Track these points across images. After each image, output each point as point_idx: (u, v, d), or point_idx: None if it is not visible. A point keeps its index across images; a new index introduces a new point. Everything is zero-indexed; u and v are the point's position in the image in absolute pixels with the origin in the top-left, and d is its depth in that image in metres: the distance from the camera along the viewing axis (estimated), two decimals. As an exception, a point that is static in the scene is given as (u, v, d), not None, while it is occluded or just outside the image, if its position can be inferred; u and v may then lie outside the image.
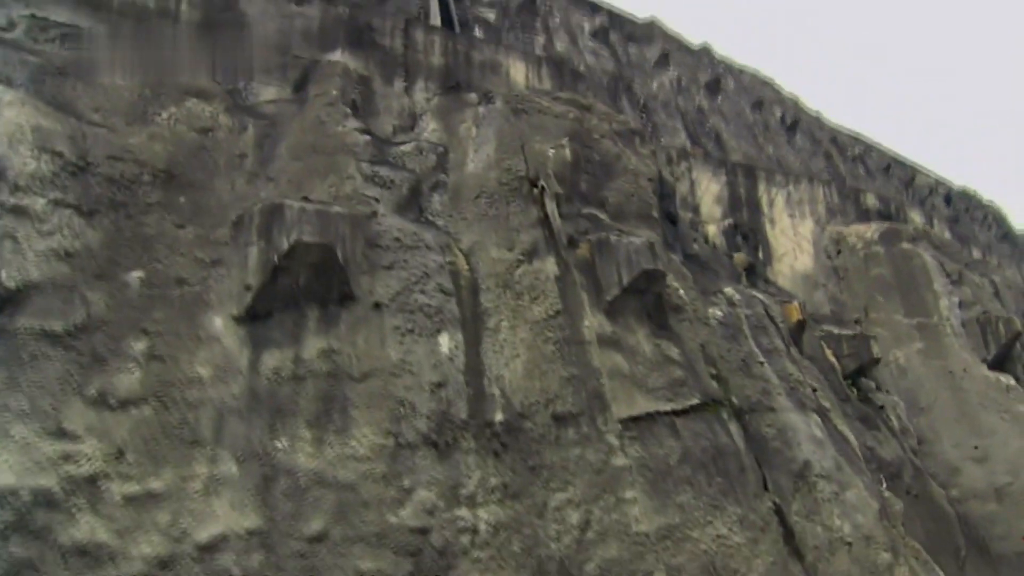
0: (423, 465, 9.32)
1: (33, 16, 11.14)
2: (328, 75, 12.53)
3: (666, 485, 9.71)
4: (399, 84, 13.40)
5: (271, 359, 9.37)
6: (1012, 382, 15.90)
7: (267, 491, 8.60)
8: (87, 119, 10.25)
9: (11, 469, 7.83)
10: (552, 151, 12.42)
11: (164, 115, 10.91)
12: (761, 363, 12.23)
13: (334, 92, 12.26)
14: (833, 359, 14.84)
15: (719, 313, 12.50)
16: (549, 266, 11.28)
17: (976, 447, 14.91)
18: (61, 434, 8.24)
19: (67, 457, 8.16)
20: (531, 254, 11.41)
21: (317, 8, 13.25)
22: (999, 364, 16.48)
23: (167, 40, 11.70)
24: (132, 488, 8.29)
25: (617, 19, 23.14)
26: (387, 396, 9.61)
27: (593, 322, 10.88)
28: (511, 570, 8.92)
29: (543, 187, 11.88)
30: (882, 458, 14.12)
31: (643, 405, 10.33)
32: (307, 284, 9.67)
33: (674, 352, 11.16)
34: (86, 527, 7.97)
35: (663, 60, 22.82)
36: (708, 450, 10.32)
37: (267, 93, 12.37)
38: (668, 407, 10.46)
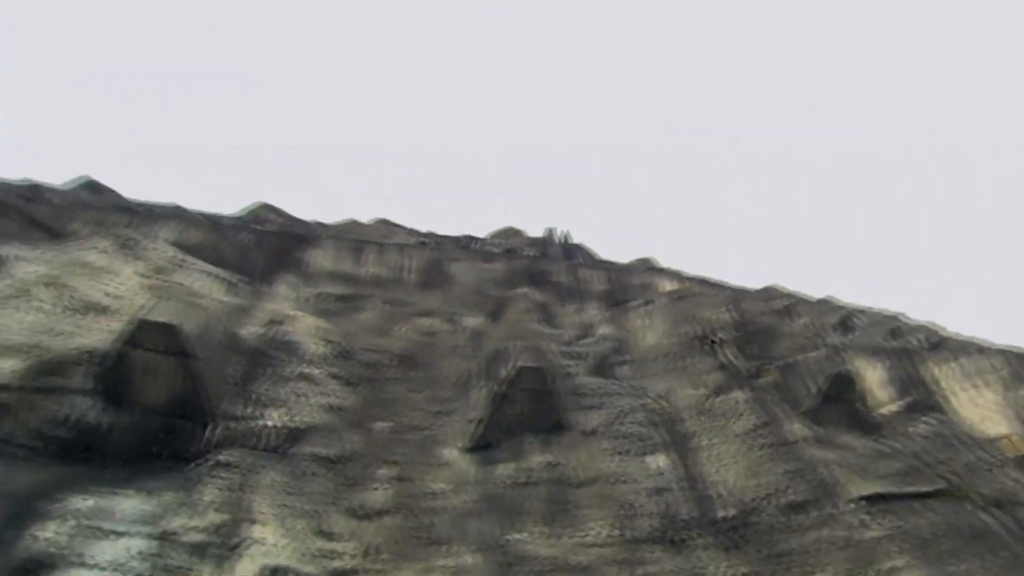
0: (656, 557, 8.42)
1: (317, 292, 14.28)
2: (518, 299, 14.46)
3: (934, 553, 8.06)
4: (571, 307, 15.04)
5: (498, 471, 9.47)
6: None
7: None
8: (350, 331, 12.39)
9: (289, 554, 8.04)
10: (715, 316, 13.06)
11: (399, 328, 12.92)
12: (990, 470, 10.50)
13: (523, 306, 14.04)
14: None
15: (923, 429, 11.24)
16: (740, 394, 11.11)
17: None
18: (323, 534, 8.49)
19: (326, 553, 8.29)
20: (719, 390, 11.36)
21: (502, 263, 15.91)
22: None
23: (400, 292, 14.40)
24: (378, 581, 8.08)
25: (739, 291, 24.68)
26: (610, 499, 9.17)
27: (796, 427, 10.24)
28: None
29: (717, 339, 12.29)
30: None
31: (874, 488, 9.10)
32: (525, 412, 10.13)
33: (889, 449, 10.03)
34: (342, 613, 7.70)
35: (787, 311, 23.48)
36: (971, 528, 8.63)
37: (470, 321, 14.29)
38: (903, 491, 9.12)
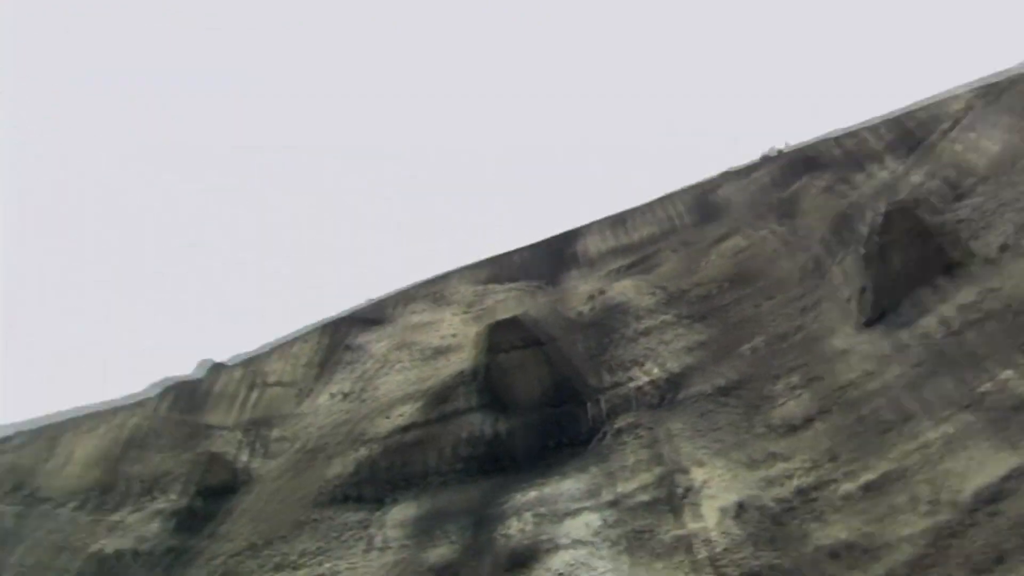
0: None
1: (605, 272, 13.80)
2: (805, 188, 12.56)
3: None
4: (863, 173, 12.74)
5: (919, 331, 7.73)
6: None
7: (1006, 429, 6.25)
8: (657, 282, 11.53)
9: (740, 487, 7.14)
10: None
11: (705, 260, 11.76)
12: None
13: (815, 191, 12.14)
14: None
15: None
16: None
17: None
18: (758, 462, 7.46)
19: (773, 479, 7.21)
20: None
21: (766, 168, 14.16)
22: None
23: (681, 236, 13.39)
24: (847, 487, 6.75)
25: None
26: (1080, 306, 6.99)
27: None
28: None
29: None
30: None
31: None
32: (913, 259, 8.33)
33: None
34: (832, 529, 6.47)
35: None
36: None
37: (770, 226, 12.60)
38: None
